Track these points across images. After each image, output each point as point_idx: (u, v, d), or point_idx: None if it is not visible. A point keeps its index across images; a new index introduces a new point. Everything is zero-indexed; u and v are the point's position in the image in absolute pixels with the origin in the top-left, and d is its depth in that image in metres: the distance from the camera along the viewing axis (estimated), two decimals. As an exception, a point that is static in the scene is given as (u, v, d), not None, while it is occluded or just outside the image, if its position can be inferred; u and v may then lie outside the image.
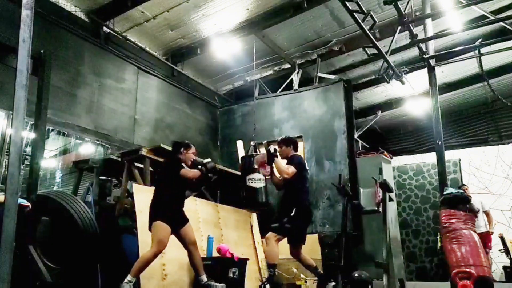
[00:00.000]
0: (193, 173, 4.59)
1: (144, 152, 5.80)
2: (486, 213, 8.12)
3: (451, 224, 4.72)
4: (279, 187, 5.41)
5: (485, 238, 7.64)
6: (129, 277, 4.22)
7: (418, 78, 8.76)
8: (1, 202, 2.51)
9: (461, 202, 4.85)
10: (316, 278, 5.59)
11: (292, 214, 5.00)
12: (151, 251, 4.33)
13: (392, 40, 6.61)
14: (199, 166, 4.67)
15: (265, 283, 4.94)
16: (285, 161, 5.26)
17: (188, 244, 4.63)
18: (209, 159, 4.84)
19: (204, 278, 4.62)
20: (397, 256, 7.37)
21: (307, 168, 5.44)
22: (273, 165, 5.24)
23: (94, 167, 6.36)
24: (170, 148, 6.17)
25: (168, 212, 4.47)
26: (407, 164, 10.21)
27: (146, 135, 7.78)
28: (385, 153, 8.41)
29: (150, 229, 4.46)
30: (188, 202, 5.79)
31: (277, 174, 5.31)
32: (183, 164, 4.65)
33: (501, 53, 7.53)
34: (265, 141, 5.50)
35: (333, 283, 5.05)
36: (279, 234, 5.02)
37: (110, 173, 6.59)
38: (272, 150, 5.19)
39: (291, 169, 5.06)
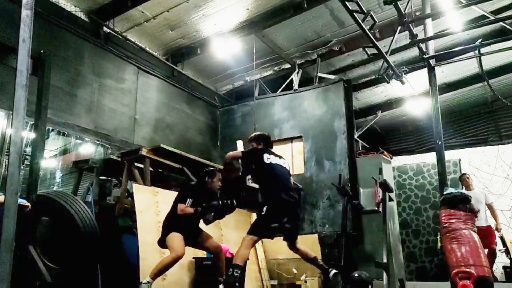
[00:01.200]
0: (186, 212, 4.50)
1: (144, 152, 5.80)
2: (489, 206, 7.69)
3: (451, 224, 4.72)
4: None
5: (486, 233, 7.23)
6: (148, 278, 4.27)
7: (418, 78, 8.76)
8: (1, 202, 2.51)
9: (461, 202, 4.85)
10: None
11: (263, 213, 4.64)
12: (170, 256, 4.38)
13: (392, 40, 6.61)
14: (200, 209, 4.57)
15: (222, 282, 4.68)
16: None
17: (211, 250, 4.77)
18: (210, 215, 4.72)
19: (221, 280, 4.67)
20: (397, 256, 7.37)
21: (274, 162, 4.79)
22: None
23: (94, 167, 6.36)
24: (170, 149, 6.21)
25: (182, 225, 4.51)
26: (407, 164, 10.20)
27: (146, 135, 7.78)
28: (385, 153, 8.41)
29: (163, 245, 4.51)
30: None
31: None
32: (185, 197, 4.61)
33: (501, 53, 7.52)
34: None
35: (334, 271, 4.91)
36: (255, 234, 4.71)
37: (110, 173, 6.58)
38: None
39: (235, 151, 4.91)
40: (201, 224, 4.85)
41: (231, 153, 4.96)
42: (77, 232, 4.48)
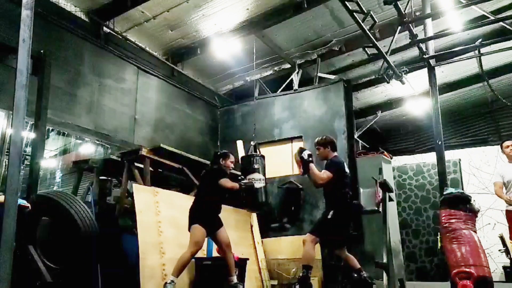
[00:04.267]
0: (231, 185, 4.99)
1: (144, 152, 5.80)
2: None
3: (451, 224, 4.71)
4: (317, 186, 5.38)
5: None
6: (171, 277, 4.55)
7: (418, 78, 8.76)
8: (1, 202, 2.51)
9: (462, 202, 4.84)
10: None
11: (329, 216, 5.02)
12: (189, 251, 4.69)
13: (392, 40, 6.61)
14: (242, 183, 5.15)
15: (296, 284, 4.99)
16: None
17: (222, 246, 5.00)
18: (251, 180, 5.38)
19: (233, 279, 4.93)
20: (397, 256, 7.36)
21: (347, 170, 5.34)
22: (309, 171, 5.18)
23: (94, 167, 6.36)
24: (170, 148, 6.22)
25: (206, 217, 4.86)
26: (407, 164, 10.20)
27: (146, 135, 7.78)
28: (385, 153, 8.40)
29: (189, 229, 4.84)
30: (188, 202, 5.81)
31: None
32: (225, 174, 5.07)
33: (501, 53, 7.52)
34: (299, 147, 5.33)
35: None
36: (317, 235, 5.04)
37: (110, 173, 6.58)
38: (306, 157, 5.11)
39: (326, 175, 5.06)
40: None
41: (324, 176, 5.07)
42: (77, 232, 4.47)
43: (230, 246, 4.99)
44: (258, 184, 6.54)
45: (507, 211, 6.53)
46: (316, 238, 5.06)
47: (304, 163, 5.14)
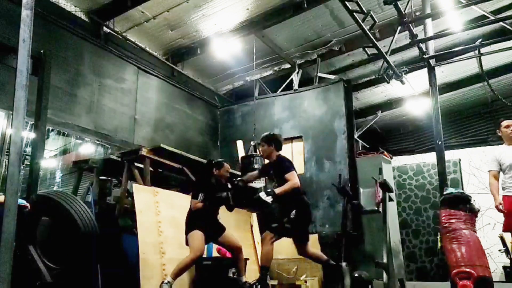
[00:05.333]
0: (197, 206, 4.73)
1: (144, 152, 5.80)
2: None
3: (451, 224, 4.71)
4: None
5: None
6: (168, 278, 4.46)
7: (418, 78, 8.76)
8: (1, 202, 2.51)
9: (462, 202, 4.84)
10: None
11: (291, 216, 4.92)
12: (189, 257, 4.56)
13: (392, 40, 6.61)
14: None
15: (256, 284, 4.77)
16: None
17: (231, 248, 4.94)
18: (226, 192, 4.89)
19: (242, 279, 4.89)
20: (397, 256, 7.36)
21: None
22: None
23: (94, 167, 6.36)
24: (170, 149, 6.22)
25: (201, 222, 4.70)
26: (407, 164, 10.21)
27: (146, 135, 7.78)
28: (385, 153, 8.41)
29: (187, 243, 4.68)
30: (188, 202, 5.80)
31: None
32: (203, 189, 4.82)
33: (501, 53, 7.52)
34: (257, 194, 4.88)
35: (345, 263, 5.07)
36: (279, 235, 4.95)
37: (110, 173, 6.58)
38: (272, 193, 4.72)
39: (293, 176, 4.77)
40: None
41: (295, 180, 4.75)
42: (77, 232, 4.47)
43: (239, 248, 4.91)
44: (258, 184, 6.54)
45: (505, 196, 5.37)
46: (274, 237, 4.83)
47: (274, 197, 4.74)
